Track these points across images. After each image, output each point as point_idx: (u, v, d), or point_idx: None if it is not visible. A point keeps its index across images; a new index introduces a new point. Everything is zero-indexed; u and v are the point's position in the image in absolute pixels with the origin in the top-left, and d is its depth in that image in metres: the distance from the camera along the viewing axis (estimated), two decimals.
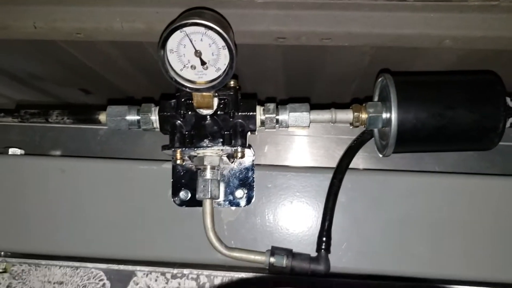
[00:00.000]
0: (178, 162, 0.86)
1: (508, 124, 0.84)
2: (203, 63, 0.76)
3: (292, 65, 1.29)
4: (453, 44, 0.95)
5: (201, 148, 0.85)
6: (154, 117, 0.87)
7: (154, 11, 0.95)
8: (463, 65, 1.14)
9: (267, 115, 0.87)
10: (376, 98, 0.93)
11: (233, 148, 0.85)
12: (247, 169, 0.94)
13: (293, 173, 0.96)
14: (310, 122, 0.87)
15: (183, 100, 0.86)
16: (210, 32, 0.73)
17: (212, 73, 0.78)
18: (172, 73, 0.77)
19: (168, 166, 0.95)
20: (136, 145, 1.06)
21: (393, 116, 0.82)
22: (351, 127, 0.89)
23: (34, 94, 1.65)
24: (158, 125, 0.88)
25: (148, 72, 1.40)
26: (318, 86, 1.45)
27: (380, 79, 0.89)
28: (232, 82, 0.86)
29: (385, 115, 0.86)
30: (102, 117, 0.90)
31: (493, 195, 0.93)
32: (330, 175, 0.92)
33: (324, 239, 0.87)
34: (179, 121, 0.86)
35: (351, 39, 0.96)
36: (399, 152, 0.88)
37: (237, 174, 0.94)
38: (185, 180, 0.94)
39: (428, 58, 1.13)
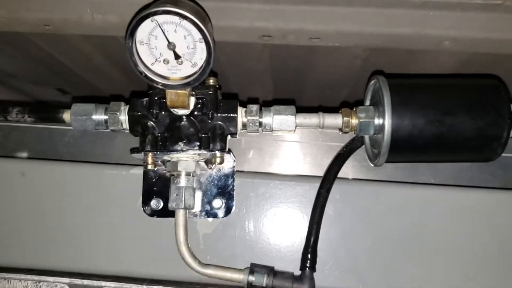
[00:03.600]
0: (150, 167, 0.78)
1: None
2: (177, 57, 0.68)
3: (280, 67, 1.22)
4: (453, 46, 0.87)
5: (175, 152, 0.77)
6: (124, 117, 0.79)
7: (128, 2, 0.87)
8: (462, 71, 1.07)
9: (249, 117, 0.79)
10: (367, 103, 0.85)
11: (211, 153, 0.77)
12: (226, 176, 0.86)
13: (277, 181, 0.88)
14: (296, 126, 0.79)
15: (156, 98, 0.77)
16: (185, 23, 0.65)
17: (188, 68, 0.70)
18: (142, 67, 0.69)
19: (138, 171, 0.86)
20: (108, 147, 0.98)
21: (386, 122, 0.74)
22: (340, 133, 0.81)
23: (10, 94, 1.56)
24: (127, 126, 0.79)
25: (127, 70, 1.31)
26: (308, 90, 1.38)
27: (372, 81, 0.82)
28: (211, 80, 0.78)
29: (377, 121, 0.78)
30: (66, 115, 0.81)
31: (493, 209, 0.87)
32: (317, 185, 0.85)
33: (309, 256, 0.79)
34: (151, 122, 0.78)
35: (341, 38, 0.89)
36: (392, 161, 0.81)
37: (216, 182, 0.86)
38: (157, 188, 0.85)
39: (424, 62, 1.06)
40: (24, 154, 1.00)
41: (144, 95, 0.79)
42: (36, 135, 1.00)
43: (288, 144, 1.00)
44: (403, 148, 0.76)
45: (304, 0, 0.84)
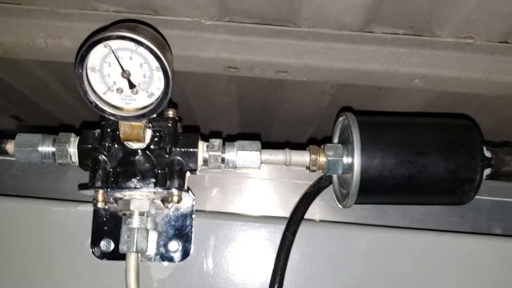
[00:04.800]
0: (100, 205, 0.71)
1: (484, 176, 0.73)
2: (132, 86, 0.63)
3: (247, 101, 1.18)
4: (424, 85, 0.86)
5: (128, 190, 0.70)
6: (73, 149, 0.72)
7: (85, 27, 0.82)
8: (431, 109, 1.06)
9: (211, 153, 0.73)
10: (336, 140, 0.81)
11: (168, 191, 0.71)
12: (184, 216, 0.79)
13: (240, 222, 0.82)
14: (261, 163, 0.74)
15: (108, 130, 0.71)
16: (141, 49, 0.60)
17: (143, 98, 0.64)
18: (92, 97, 0.63)
19: (87, 208, 0.79)
20: (59, 182, 0.90)
21: (356, 161, 0.70)
22: (307, 171, 0.76)
23: None
24: (77, 159, 0.72)
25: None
26: (276, 125, 1.34)
27: (341, 118, 0.78)
28: (170, 112, 0.73)
29: (346, 160, 0.74)
30: (10, 146, 0.74)
31: (463, 254, 0.84)
32: (282, 226, 0.79)
33: None
34: (102, 156, 0.71)
35: (310, 73, 0.85)
36: (361, 203, 0.76)
37: (172, 222, 0.79)
38: (109, 227, 0.78)
39: (394, 99, 1.05)
40: None
41: (97, 126, 0.73)
42: None
43: (254, 181, 0.94)
44: (373, 189, 0.72)
45: (272, 32, 0.81)
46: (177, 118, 0.74)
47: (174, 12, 0.78)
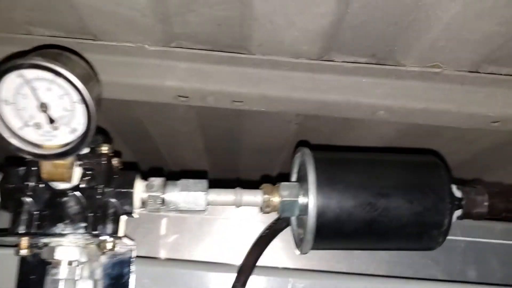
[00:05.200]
0: (23, 253, 0.62)
1: (454, 219, 0.66)
2: (51, 121, 0.55)
3: (210, 130, 1.11)
4: (389, 117, 0.79)
5: (53, 236, 0.62)
6: None
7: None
8: (403, 140, 0.99)
9: (150, 193, 0.66)
10: (294, 177, 0.74)
11: (100, 238, 0.63)
12: (121, 263, 0.71)
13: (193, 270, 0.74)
14: (207, 205, 0.66)
15: (33, 168, 0.63)
16: (60, 80, 0.53)
17: (65, 134, 0.56)
18: (6, 133, 0.55)
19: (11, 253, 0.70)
20: None
21: (311, 202, 0.62)
22: (261, 213, 0.69)
23: None
24: None
25: None
26: (245, 153, 1.27)
27: (297, 153, 0.71)
28: (103, 148, 0.65)
29: (302, 200, 0.66)
30: None
31: None
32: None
33: None
34: (26, 197, 0.63)
35: (267, 103, 0.79)
36: (319, 249, 0.69)
37: (109, 270, 0.70)
38: (36, 277, 0.69)
39: (361, 130, 0.98)
40: None
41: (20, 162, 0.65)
42: None
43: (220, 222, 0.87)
44: (330, 234, 0.64)
45: (224, 59, 0.74)
46: (111, 154, 0.66)
47: (115, 37, 0.71)
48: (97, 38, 0.72)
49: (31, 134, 0.56)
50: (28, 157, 0.57)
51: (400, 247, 0.71)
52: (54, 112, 0.55)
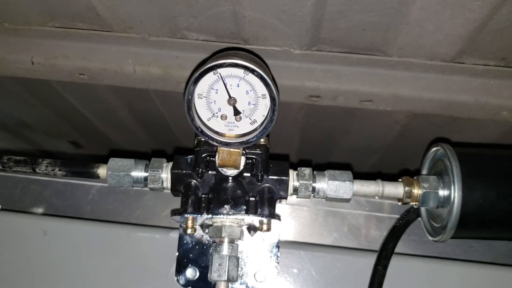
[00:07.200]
0: (189, 231, 0.70)
1: None
2: (236, 113, 0.63)
3: (312, 130, 1.17)
4: (511, 117, 0.83)
5: (220, 216, 0.69)
6: (165, 175, 0.72)
7: (173, 55, 0.84)
8: (503, 141, 1.03)
9: (302, 181, 0.72)
10: (425, 172, 0.79)
11: (259, 219, 0.70)
12: (270, 245, 0.78)
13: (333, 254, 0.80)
14: (353, 194, 0.73)
15: (203, 156, 0.71)
16: (250, 77, 0.60)
17: (246, 125, 0.64)
18: (198, 122, 0.63)
19: (175, 235, 0.78)
20: (135, 207, 0.90)
21: (456, 194, 0.68)
22: (399, 203, 0.74)
23: (18, 143, 1.49)
24: (169, 184, 0.72)
25: (151, 126, 1.26)
26: (336, 154, 1.33)
27: (434, 149, 0.76)
28: (262, 139, 0.72)
29: (442, 192, 0.72)
30: (102, 171, 0.74)
31: None
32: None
33: None
34: (195, 181, 0.71)
35: (395, 102, 0.84)
36: (458, 237, 0.73)
37: (258, 251, 0.77)
38: (194, 255, 0.77)
39: (467, 131, 1.02)
40: (41, 210, 0.92)
41: (185, 152, 0.73)
42: (57, 190, 0.92)
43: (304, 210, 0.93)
44: (472, 224, 0.69)
45: (361, 61, 0.81)
46: (268, 146, 0.73)
47: (265, 42, 0.78)
48: (247, 43, 0.80)
49: (217, 124, 0.64)
50: (214, 143, 0.65)
51: None
52: (239, 105, 0.63)
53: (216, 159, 0.68)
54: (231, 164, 0.68)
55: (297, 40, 0.77)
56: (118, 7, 0.74)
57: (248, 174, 0.72)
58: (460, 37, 0.71)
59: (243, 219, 0.71)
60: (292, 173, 0.73)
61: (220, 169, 0.70)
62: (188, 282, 0.76)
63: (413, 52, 0.76)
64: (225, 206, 0.70)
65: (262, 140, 0.73)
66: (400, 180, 0.74)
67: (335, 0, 0.67)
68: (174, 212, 0.71)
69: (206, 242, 0.76)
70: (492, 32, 0.71)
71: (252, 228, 0.75)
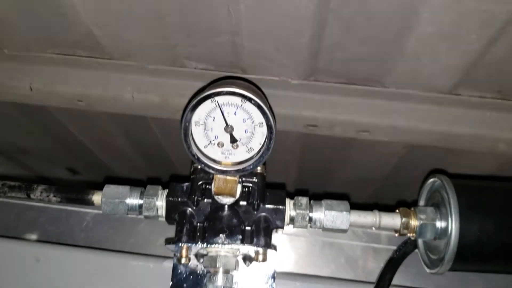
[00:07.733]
0: (184, 260, 0.69)
1: None
2: (233, 140, 0.63)
3: (310, 160, 1.17)
4: (508, 149, 0.84)
5: (215, 245, 0.68)
6: (160, 203, 0.71)
7: (173, 83, 0.84)
8: (500, 174, 1.03)
9: (298, 211, 0.72)
10: (422, 203, 0.79)
11: (255, 249, 0.69)
12: (266, 276, 0.76)
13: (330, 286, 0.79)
14: (349, 225, 0.72)
15: (199, 184, 0.71)
16: (247, 105, 0.61)
17: (242, 153, 0.64)
18: (194, 150, 0.63)
19: (169, 264, 0.77)
20: (129, 235, 0.89)
21: (454, 225, 0.67)
22: (397, 235, 0.73)
23: (15, 169, 1.49)
24: (163, 212, 0.71)
25: (148, 153, 1.26)
26: (333, 185, 1.32)
27: (431, 180, 0.76)
28: (259, 168, 0.72)
29: (439, 224, 0.71)
30: (97, 197, 0.74)
31: None
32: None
33: None
34: (190, 209, 0.70)
35: (392, 133, 0.85)
36: (455, 270, 0.72)
37: (252, 283, 0.76)
38: (188, 286, 0.75)
39: (464, 163, 1.02)
40: (34, 237, 0.91)
41: (179, 179, 0.73)
42: (52, 217, 0.91)
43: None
44: (470, 256, 0.68)
45: (358, 92, 0.81)
46: (264, 174, 0.73)
47: (263, 71, 0.79)
48: (245, 72, 0.81)
49: (213, 152, 0.64)
50: (210, 171, 0.65)
51: None
52: (236, 133, 0.63)
53: (212, 186, 0.68)
54: (227, 192, 0.68)
55: (294, 70, 0.78)
56: (118, 35, 0.75)
57: (244, 203, 0.71)
58: (457, 69, 0.72)
59: (238, 249, 0.70)
60: (289, 202, 0.73)
61: (216, 197, 0.70)
62: None
63: (410, 84, 0.77)
64: (220, 235, 0.69)
65: (259, 168, 0.72)
66: (397, 211, 0.74)
67: (332, 32, 0.68)
68: (168, 241, 0.70)
69: (201, 272, 0.75)
70: (488, 65, 0.71)
71: (247, 258, 0.74)
